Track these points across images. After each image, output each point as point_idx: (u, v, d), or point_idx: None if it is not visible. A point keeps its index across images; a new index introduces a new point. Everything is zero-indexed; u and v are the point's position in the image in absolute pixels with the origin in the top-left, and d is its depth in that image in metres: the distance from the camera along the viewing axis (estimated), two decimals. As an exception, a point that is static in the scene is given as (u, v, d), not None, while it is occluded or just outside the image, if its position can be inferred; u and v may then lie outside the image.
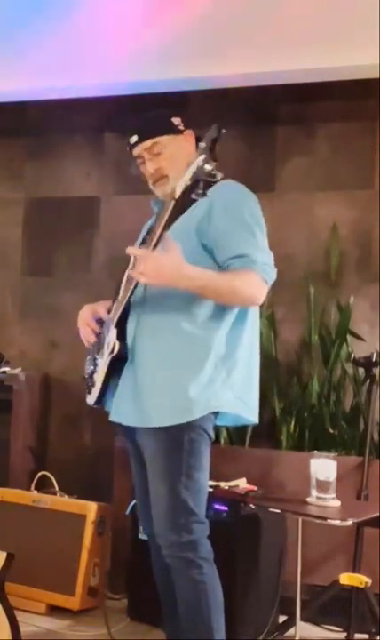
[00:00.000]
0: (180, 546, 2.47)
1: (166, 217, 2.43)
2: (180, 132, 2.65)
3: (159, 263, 2.37)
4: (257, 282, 2.46)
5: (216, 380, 2.49)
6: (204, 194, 2.36)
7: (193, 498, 2.48)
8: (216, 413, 2.55)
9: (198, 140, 2.70)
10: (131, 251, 2.44)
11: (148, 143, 2.64)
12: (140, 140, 2.66)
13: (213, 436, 2.57)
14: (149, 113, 2.73)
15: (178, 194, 2.39)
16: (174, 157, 2.58)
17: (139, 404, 2.50)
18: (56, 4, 4.10)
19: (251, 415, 2.62)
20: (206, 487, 2.55)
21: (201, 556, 2.47)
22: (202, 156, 2.33)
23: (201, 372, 2.47)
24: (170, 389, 2.48)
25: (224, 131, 2.38)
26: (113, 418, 2.60)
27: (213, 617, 2.46)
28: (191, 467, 2.48)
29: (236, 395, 2.55)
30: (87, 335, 2.67)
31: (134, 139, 2.67)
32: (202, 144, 2.36)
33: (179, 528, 2.46)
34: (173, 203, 2.42)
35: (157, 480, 2.51)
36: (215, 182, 2.51)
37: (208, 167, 2.32)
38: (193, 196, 2.36)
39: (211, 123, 2.70)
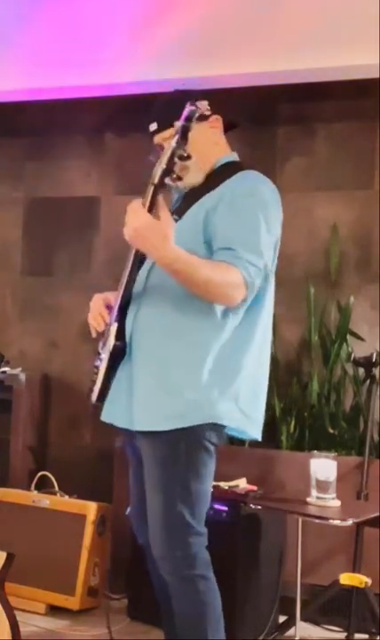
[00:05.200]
0: (175, 560, 2.36)
1: (148, 202, 2.25)
2: (205, 117, 2.38)
3: (148, 226, 2.22)
4: (236, 280, 2.28)
5: (213, 388, 2.34)
6: (179, 178, 2.24)
7: (190, 510, 2.35)
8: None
9: (231, 126, 2.58)
10: (131, 204, 2.29)
11: (167, 133, 2.42)
12: (159, 129, 2.47)
13: (218, 444, 2.42)
14: (169, 95, 2.51)
15: (156, 179, 2.23)
16: (197, 147, 2.30)
17: (131, 405, 2.39)
18: (56, 4, 4.10)
19: (254, 431, 2.48)
20: (207, 498, 2.41)
21: (197, 573, 2.36)
22: (176, 138, 2.19)
23: (197, 377, 2.33)
24: (163, 392, 2.35)
25: (196, 108, 2.19)
26: (104, 417, 2.49)
27: (210, 633, 2.36)
28: (189, 478, 2.34)
29: (240, 407, 2.39)
30: (97, 323, 2.51)
31: (153, 126, 2.47)
32: (177, 123, 2.20)
33: (174, 542, 2.35)
34: (152, 188, 2.24)
35: (153, 490, 2.39)
36: (230, 171, 2.41)
37: (180, 151, 2.19)
38: (167, 180, 2.23)
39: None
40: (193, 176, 2.46)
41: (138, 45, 3.92)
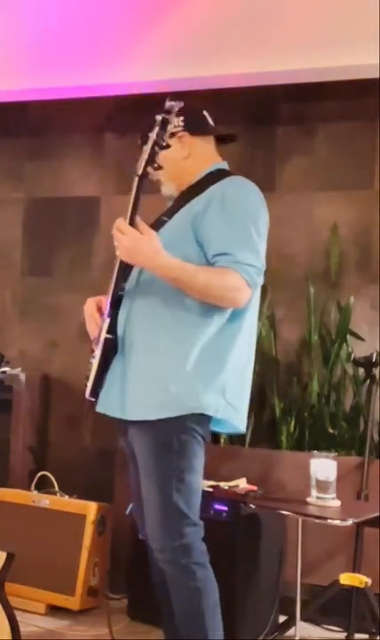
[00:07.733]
0: (173, 550, 2.43)
1: (133, 195, 2.42)
2: (173, 134, 2.54)
3: (137, 242, 2.36)
4: (235, 283, 2.40)
5: (197, 380, 2.44)
6: (160, 167, 2.40)
7: (185, 500, 2.43)
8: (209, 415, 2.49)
9: (229, 138, 2.74)
10: (116, 223, 2.42)
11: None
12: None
13: (208, 437, 2.52)
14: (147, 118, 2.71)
15: (140, 169, 2.40)
16: (165, 162, 2.46)
17: (123, 396, 2.49)
18: (56, 3, 4.10)
19: (240, 423, 2.56)
20: (199, 489, 2.50)
21: (194, 562, 2.43)
22: (155, 129, 2.35)
23: (182, 370, 2.43)
24: (151, 383, 2.44)
25: (174, 103, 2.36)
26: (99, 408, 2.58)
27: (208, 621, 2.43)
28: (182, 469, 2.43)
29: (227, 399, 2.49)
30: (92, 329, 2.62)
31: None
32: (158, 117, 2.36)
33: (171, 532, 2.42)
34: (136, 179, 2.41)
35: (148, 482, 2.47)
36: (221, 176, 2.54)
37: (160, 141, 2.35)
38: (149, 169, 2.39)
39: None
40: (167, 187, 2.63)
41: (139, 45, 3.92)
